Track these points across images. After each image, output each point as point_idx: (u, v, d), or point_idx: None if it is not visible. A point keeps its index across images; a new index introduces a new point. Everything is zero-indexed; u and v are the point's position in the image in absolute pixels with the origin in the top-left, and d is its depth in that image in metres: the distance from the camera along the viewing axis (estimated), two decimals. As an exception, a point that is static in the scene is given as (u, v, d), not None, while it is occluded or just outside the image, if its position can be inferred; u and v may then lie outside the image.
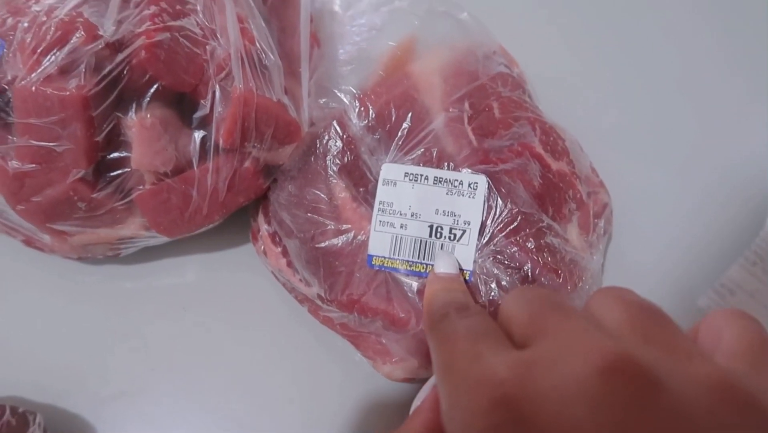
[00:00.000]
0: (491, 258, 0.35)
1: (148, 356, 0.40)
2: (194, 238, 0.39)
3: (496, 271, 0.34)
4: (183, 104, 0.36)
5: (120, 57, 0.32)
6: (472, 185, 0.36)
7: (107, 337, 0.41)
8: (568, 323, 0.21)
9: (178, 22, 0.35)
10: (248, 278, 0.42)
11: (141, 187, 0.36)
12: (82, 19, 0.31)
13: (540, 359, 0.20)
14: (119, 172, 0.35)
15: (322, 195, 0.38)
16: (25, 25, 0.31)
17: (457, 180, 0.36)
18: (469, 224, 0.35)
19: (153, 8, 0.34)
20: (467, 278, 0.35)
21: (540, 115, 0.40)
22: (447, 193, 0.36)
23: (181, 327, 0.41)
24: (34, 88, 0.31)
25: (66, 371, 0.40)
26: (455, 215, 0.35)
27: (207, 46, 0.35)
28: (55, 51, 0.31)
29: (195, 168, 0.36)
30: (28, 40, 0.31)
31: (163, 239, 0.39)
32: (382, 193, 0.36)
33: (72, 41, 0.31)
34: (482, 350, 0.22)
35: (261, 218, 0.40)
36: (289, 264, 0.38)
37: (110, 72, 0.32)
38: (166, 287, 0.42)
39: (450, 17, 0.44)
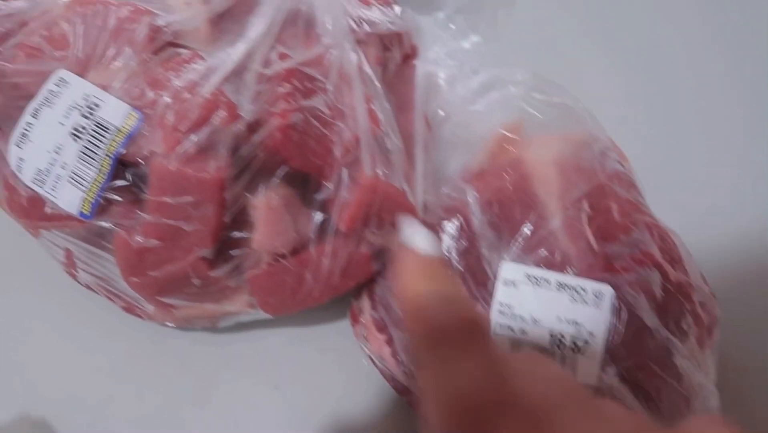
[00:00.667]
0: (616, 376, 0.34)
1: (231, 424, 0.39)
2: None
3: (621, 390, 0.33)
4: (305, 184, 0.35)
5: (256, 138, 0.32)
6: (597, 294, 0.35)
7: (186, 400, 0.39)
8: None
9: (309, 102, 0.34)
10: (339, 357, 0.41)
11: (257, 266, 0.35)
12: (224, 99, 0.30)
13: None
14: (238, 251, 0.34)
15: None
16: (168, 100, 0.30)
17: (581, 287, 0.35)
18: (592, 335, 0.34)
19: (286, 87, 0.33)
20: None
21: (654, 217, 0.40)
22: (570, 300, 0.35)
23: (268, 399, 0.40)
24: (173, 167, 0.30)
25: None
26: (578, 324, 0.34)
27: (335, 127, 0.34)
28: (197, 130, 0.30)
29: (312, 250, 0.35)
30: (170, 116, 0.30)
31: (265, 316, 0.38)
32: (501, 293, 0.35)
33: (214, 121, 0.30)
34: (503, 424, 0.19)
35: (365, 302, 0.39)
36: (394, 354, 0.37)
37: (247, 153, 0.31)
38: (253, 356, 0.41)
39: (560, 106, 0.43)
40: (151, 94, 0.30)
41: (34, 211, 0.32)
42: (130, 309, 0.38)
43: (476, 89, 0.44)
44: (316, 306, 0.37)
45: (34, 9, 0.34)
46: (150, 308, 0.36)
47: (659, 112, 0.52)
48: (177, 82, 0.31)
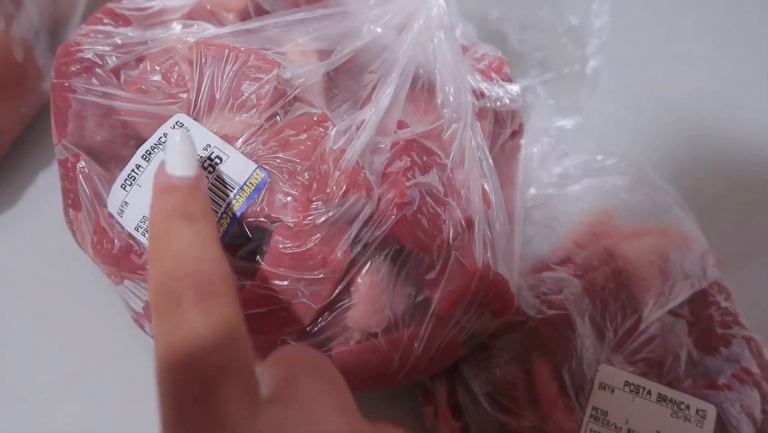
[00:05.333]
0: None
1: None
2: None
3: None
4: (406, 261, 0.34)
5: (377, 217, 0.31)
6: (700, 413, 0.34)
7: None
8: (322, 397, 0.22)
9: (426, 179, 0.34)
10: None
11: (345, 343, 0.34)
12: (363, 175, 0.30)
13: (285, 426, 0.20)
14: (331, 327, 0.33)
15: (523, 379, 0.36)
16: (301, 166, 0.30)
17: (683, 403, 0.35)
18: (693, 457, 0.34)
19: (405, 160, 0.33)
20: None
21: (750, 330, 0.40)
22: (671, 415, 0.35)
23: None
24: (299, 241, 0.29)
25: None
26: (678, 443, 0.34)
27: (448, 206, 0.34)
28: (333, 205, 0.29)
29: (405, 331, 0.34)
30: (305, 185, 0.30)
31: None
32: (597, 398, 0.35)
33: (350, 198, 0.30)
34: (224, 392, 0.21)
35: (442, 384, 0.38)
36: (470, 443, 0.36)
37: (366, 232, 0.31)
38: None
39: (658, 194, 0.43)
40: (281, 156, 0.30)
41: (124, 260, 0.31)
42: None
43: (572, 171, 0.44)
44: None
45: (152, 45, 0.34)
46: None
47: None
48: (311, 146, 0.31)
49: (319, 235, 0.30)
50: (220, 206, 0.30)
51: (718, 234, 0.44)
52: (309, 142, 0.31)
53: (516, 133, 0.42)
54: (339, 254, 0.30)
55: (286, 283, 0.30)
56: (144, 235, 0.31)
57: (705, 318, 0.38)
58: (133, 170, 0.31)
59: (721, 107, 0.55)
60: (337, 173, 0.30)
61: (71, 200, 0.33)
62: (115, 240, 0.32)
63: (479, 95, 0.37)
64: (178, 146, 0.26)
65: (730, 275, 0.42)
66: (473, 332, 0.37)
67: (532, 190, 0.44)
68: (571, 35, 0.48)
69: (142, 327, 0.37)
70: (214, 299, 0.22)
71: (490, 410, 0.36)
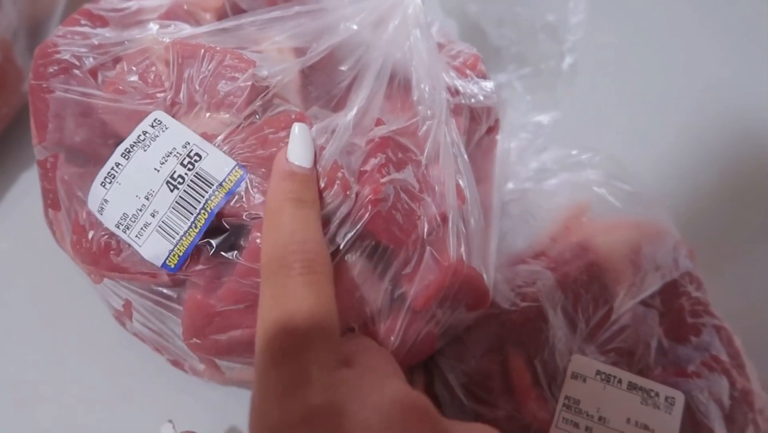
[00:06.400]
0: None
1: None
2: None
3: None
4: (382, 256, 0.35)
5: (353, 214, 0.32)
6: (669, 400, 0.36)
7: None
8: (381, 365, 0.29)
9: (400, 175, 0.35)
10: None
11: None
12: (341, 174, 0.31)
13: (357, 384, 0.25)
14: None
15: (498, 370, 0.37)
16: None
17: (653, 391, 0.36)
18: (662, 443, 0.35)
19: (380, 157, 0.34)
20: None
21: (721, 319, 0.41)
22: (641, 403, 0.36)
23: None
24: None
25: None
26: (648, 429, 0.36)
27: (422, 202, 0.35)
28: None
29: (381, 325, 0.35)
30: None
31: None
32: (570, 387, 0.36)
33: (328, 196, 0.30)
34: (313, 351, 0.25)
35: (420, 376, 0.39)
36: None
37: (343, 229, 0.32)
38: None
39: (634, 194, 0.44)
40: (260, 153, 0.31)
41: (103, 259, 0.32)
42: (176, 364, 0.38)
43: (548, 165, 0.45)
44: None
45: (129, 46, 0.34)
46: (200, 367, 0.36)
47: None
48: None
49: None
50: (199, 202, 0.31)
51: (696, 227, 0.45)
52: (288, 140, 0.32)
53: (492, 129, 0.43)
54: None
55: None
56: (124, 231, 0.31)
57: (676, 308, 0.39)
58: (112, 168, 0.32)
59: (697, 100, 0.57)
60: (317, 169, 0.31)
61: (51, 200, 0.34)
62: (95, 239, 0.32)
63: (454, 92, 0.38)
64: (298, 137, 0.30)
65: (716, 269, 0.43)
66: (449, 325, 0.38)
67: (510, 185, 0.45)
68: (548, 31, 0.49)
69: (123, 325, 0.37)
70: (317, 275, 0.27)
71: (466, 401, 0.37)
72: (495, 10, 0.49)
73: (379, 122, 0.35)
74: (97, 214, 0.32)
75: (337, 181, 0.31)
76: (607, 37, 0.57)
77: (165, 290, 0.33)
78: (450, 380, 0.38)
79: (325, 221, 0.31)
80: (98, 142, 0.34)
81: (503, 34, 0.50)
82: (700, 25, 0.61)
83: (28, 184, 0.47)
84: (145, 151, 0.32)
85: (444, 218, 0.35)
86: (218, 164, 0.31)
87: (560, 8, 0.49)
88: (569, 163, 0.45)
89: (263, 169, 0.31)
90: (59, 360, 0.43)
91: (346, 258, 0.33)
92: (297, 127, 0.30)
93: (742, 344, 0.42)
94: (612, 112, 0.55)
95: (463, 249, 0.36)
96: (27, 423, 0.41)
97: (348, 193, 0.32)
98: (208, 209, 0.31)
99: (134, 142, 0.32)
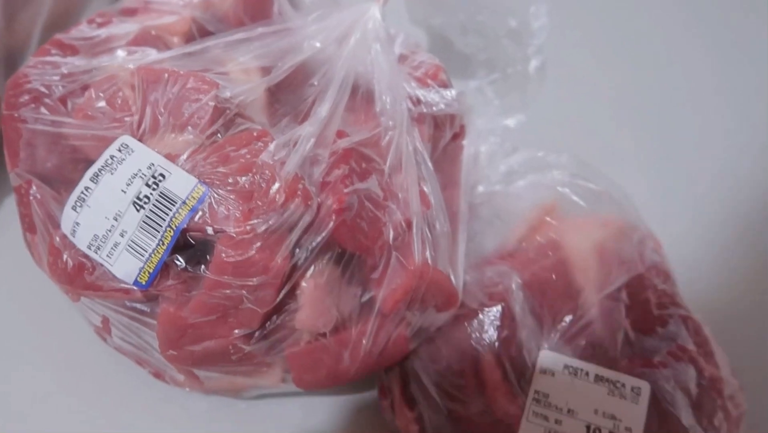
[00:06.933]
0: (652, 475, 0.36)
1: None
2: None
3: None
4: (349, 263, 0.37)
5: (317, 223, 0.33)
6: (635, 390, 0.37)
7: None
8: None
9: (364, 184, 0.36)
10: (361, 429, 0.43)
11: (295, 344, 0.36)
12: (302, 186, 0.32)
13: None
14: (280, 330, 0.35)
15: (471, 368, 0.38)
16: (241, 179, 0.32)
17: (619, 382, 0.37)
18: (630, 431, 0.36)
19: (343, 168, 0.35)
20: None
21: (688, 310, 0.42)
22: (608, 394, 0.37)
23: None
24: (240, 250, 0.31)
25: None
26: (615, 419, 0.37)
27: (387, 209, 0.36)
28: (271, 215, 0.32)
29: (352, 330, 0.37)
30: (244, 197, 0.32)
31: (294, 389, 0.39)
32: (538, 382, 0.37)
33: (290, 207, 0.32)
34: None
35: (396, 378, 0.40)
36: (422, 431, 0.39)
37: (306, 239, 0.33)
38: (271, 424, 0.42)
39: (600, 193, 0.46)
40: (222, 170, 0.32)
41: (78, 278, 0.34)
42: (158, 375, 0.39)
43: (516, 168, 0.46)
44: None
45: (97, 73, 0.36)
46: (180, 377, 0.38)
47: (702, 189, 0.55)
48: (250, 160, 0.33)
49: (259, 243, 0.32)
50: (164, 220, 0.32)
51: (664, 221, 0.46)
52: (249, 156, 0.33)
53: (457, 136, 0.44)
54: (279, 260, 0.32)
55: (229, 291, 0.32)
56: (96, 252, 0.33)
57: (642, 301, 0.40)
58: (82, 192, 0.34)
59: (662, 98, 0.58)
60: (277, 184, 0.32)
61: (27, 224, 0.36)
62: (69, 260, 0.34)
63: (416, 102, 0.40)
64: None
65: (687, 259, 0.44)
66: (420, 327, 0.39)
67: (480, 188, 0.47)
68: (512, 37, 0.51)
69: (104, 339, 0.39)
70: None
71: (439, 400, 0.38)
72: (458, 20, 0.50)
73: (341, 134, 0.37)
74: (70, 237, 0.34)
75: (299, 192, 0.32)
76: (571, 39, 0.58)
77: (139, 306, 0.34)
78: (423, 380, 0.39)
79: (287, 231, 0.32)
80: (69, 168, 0.35)
81: (469, 42, 0.52)
82: (667, 22, 0.62)
83: (11, 209, 0.48)
84: (112, 174, 0.33)
85: (409, 224, 0.37)
86: (181, 183, 0.32)
87: (522, 14, 0.50)
88: (536, 165, 0.46)
89: (226, 186, 0.33)
90: (46, 375, 0.44)
91: (312, 267, 0.35)
92: None
93: (715, 332, 0.43)
94: (578, 113, 0.56)
95: (428, 253, 0.37)
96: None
97: (309, 203, 0.33)
98: (173, 226, 0.32)
99: (102, 167, 0.34)
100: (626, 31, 0.62)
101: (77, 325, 0.42)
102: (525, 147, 0.49)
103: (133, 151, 0.34)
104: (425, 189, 0.38)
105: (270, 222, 0.33)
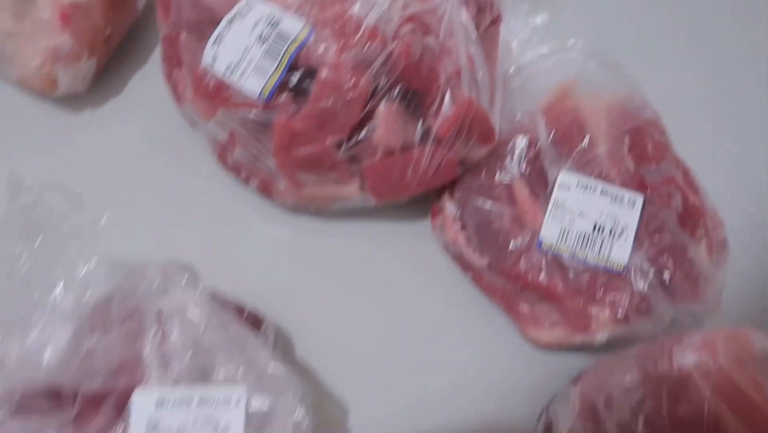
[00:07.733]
0: (644, 259, 0.47)
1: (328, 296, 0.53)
2: (378, 211, 0.53)
3: (646, 270, 0.46)
4: (414, 100, 0.48)
5: (390, 61, 0.45)
6: (631, 200, 0.48)
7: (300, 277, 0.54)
8: None
9: (425, 40, 0.48)
10: (420, 248, 0.54)
11: (372, 157, 0.48)
12: (380, 32, 0.44)
13: None
14: (361, 144, 0.47)
15: (505, 189, 0.50)
16: (338, 24, 0.44)
17: (619, 194, 0.48)
18: (626, 227, 0.47)
19: (409, 27, 0.47)
20: (620, 270, 0.46)
21: (680, 158, 0.53)
22: (611, 202, 0.48)
23: (357, 283, 0.54)
24: (338, 73, 0.43)
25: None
26: (616, 219, 0.48)
27: (442, 62, 0.48)
28: (359, 50, 0.44)
29: (415, 151, 0.48)
30: (340, 37, 0.44)
31: (368, 203, 0.51)
32: (557, 193, 0.49)
33: (371, 46, 0.44)
34: None
35: (447, 199, 0.52)
36: (466, 237, 0.50)
37: (382, 72, 0.45)
38: (352, 247, 0.54)
39: (610, 67, 0.57)
40: (325, 16, 0.44)
41: (218, 95, 0.46)
42: (264, 187, 0.51)
43: (542, 55, 0.58)
44: (410, 196, 0.51)
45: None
46: (283, 184, 0.50)
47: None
48: (344, 11, 0.45)
49: (350, 69, 0.44)
50: (280, 51, 0.45)
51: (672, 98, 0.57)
52: (344, 8, 0.45)
53: (495, 21, 0.55)
54: (363, 81, 0.44)
55: (329, 102, 0.44)
56: (231, 74, 0.45)
57: (641, 144, 0.51)
58: (220, 33, 0.46)
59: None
60: (363, 28, 0.44)
61: (175, 62, 0.48)
62: (210, 82, 0.46)
63: (463, -14, 0.51)
64: None
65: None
66: (465, 157, 0.51)
67: (513, 69, 0.58)
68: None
69: (224, 160, 0.51)
70: None
71: (478, 211, 0.50)
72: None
73: (405, 6, 0.48)
74: (210, 67, 0.46)
75: (378, 36, 0.44)
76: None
77: (260, 117, 0.46)
78: (469, 200, 0.51)
79: (368, 64, 0.44)
80: (205, 23, 0.48)
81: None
82: None
83: (145, 78, 0.60)
84: (241, 21, 0.46)
85: (458, 73, 0.48)
86: (292, 25, 0.45)
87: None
88: (559, 50, 0.57)
89: (327, 29, 0.45)
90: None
91: (386, 97, 0.47)
92: None
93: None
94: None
95: (474, 93, 0.49)
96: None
97: (384, 44, 0.45)
98: (288, 54, 0.44)
99: (234, 15, 0.46)
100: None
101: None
102: (549, 40, 0.60)
103: (254, 6, 0.46)
104: (471, 51, 0.50)
105: (359, 55, 0.45)
